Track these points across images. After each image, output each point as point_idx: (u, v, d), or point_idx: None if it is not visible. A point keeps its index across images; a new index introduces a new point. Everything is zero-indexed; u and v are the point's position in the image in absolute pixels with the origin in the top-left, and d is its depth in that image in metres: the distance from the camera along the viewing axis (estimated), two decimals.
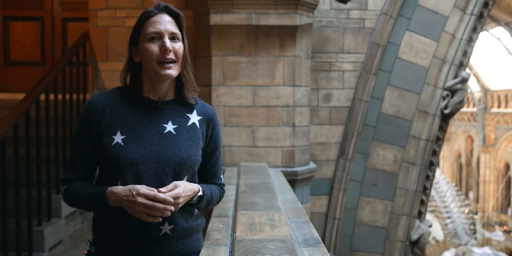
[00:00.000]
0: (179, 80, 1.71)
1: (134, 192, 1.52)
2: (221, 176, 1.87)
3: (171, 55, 1.63)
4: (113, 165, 1.62)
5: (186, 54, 1.68)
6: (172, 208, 1.53)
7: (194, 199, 1.66)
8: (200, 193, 1.68)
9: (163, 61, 1.62)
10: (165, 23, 1.64)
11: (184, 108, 1.73)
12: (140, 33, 1.65)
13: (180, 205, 1.58)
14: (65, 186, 1.67)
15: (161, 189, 1.54)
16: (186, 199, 1.61)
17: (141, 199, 1.51)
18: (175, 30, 1.65)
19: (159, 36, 1.63)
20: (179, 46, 1.65)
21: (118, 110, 1.66)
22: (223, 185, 1.88)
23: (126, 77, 1.71)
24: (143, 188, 1.53)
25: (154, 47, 1.62)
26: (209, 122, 1.77)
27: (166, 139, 1.65)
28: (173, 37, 1.64)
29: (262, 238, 1.72)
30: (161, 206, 1.51)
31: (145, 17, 1.65)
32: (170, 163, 1.63)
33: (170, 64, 1.63)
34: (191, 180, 1.71)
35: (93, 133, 1.65)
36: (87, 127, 1.65)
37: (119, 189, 1.56)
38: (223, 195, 1.88)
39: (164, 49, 1.61)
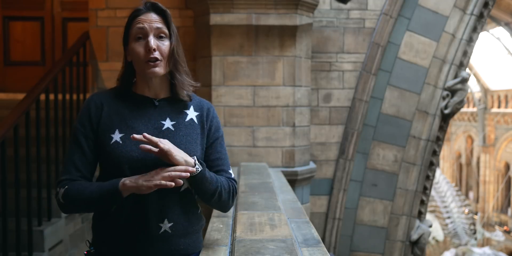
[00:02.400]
0: (172, 77, 1.70)
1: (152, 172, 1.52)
2: (230, 170, 1.78)
3: (156, 54, 1.62)
4: (113, 164, 1.62)
5: (174, 52, 1.66)
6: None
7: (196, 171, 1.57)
8: (198, 167, 1.58)
9: (149, 60, 1.62)
10: (151, 21, 1.63)
11: (180, 104, 1.73)
12: (128, 33, 1.66)
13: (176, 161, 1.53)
14: (66, 186, 1.60)
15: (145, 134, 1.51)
16: (179, 159, 1.54)
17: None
18: (161, 27, 1.64)
19: (144, 34, 1.62)
20: (166, 44, 1.64)
21: (116, 109, 1.67)
22: (233, 179, 1.77)
23: (121, 76, 1.72)
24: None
25: (140, 47, 1.62)
26: (207, 116, 1.76)
27: (165, 136, 1.64)
28: (159, 35, 1.64)
29: (262, 238, 1.72)
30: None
31: (132, 17, 1.65)
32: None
33: (156, 62, 1.62)
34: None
35: (93, 131, 1.65)
36: (87, 125, 1.66)
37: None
38: (235, 189, 1.74)
39: (148, 49, 1.61)
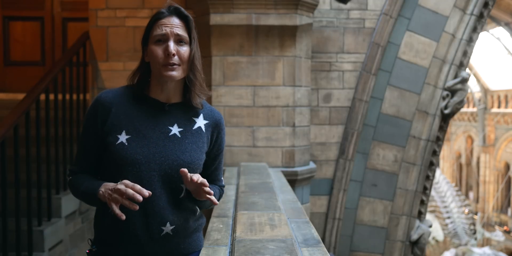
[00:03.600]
0: (189, 83, 1.69)
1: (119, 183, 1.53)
2: (222, 178, 1.89)
3: (175, 59, 1.62)
4: (115, 164, 1.63)
5: (193, 58, 1.66)
6: (140, 198, 1.49)
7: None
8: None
9: (167, 64, 1.62)
10: (173, 25, 1.63)
11: (190, 111, 1.73)
12: (149, 34, 1.66)
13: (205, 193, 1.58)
14: (70, 177, 1.72)
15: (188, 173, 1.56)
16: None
17: (120, 186, 1.51)
18: (182, 33, 1.64)
19: (165, 38, 1.62)
20: (184, 50, 1.64)
21: (124, 109, 1.67)
22: (223, 186, 1.90)
23: (134, 76, 1.72)
24: (128, 181, 1.53)
25: (159, 50, 1.62)
26: (215, 127, 1.76)
27: (170, 142, 1.65)
28: (179, 40, 1.64)
29: (262, 238, 1.72)
30: (130, 192, 1.48)
31: (154, 19, 1.66)
32: (173, 166, 1.63)
33: (174, 66, 1.62)
34: None
35: (98, 131, 1.66)
36: (92, 124, 1.67)
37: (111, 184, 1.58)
38: (222, 195, 1.91)
39: (167, 53, 1.61)
